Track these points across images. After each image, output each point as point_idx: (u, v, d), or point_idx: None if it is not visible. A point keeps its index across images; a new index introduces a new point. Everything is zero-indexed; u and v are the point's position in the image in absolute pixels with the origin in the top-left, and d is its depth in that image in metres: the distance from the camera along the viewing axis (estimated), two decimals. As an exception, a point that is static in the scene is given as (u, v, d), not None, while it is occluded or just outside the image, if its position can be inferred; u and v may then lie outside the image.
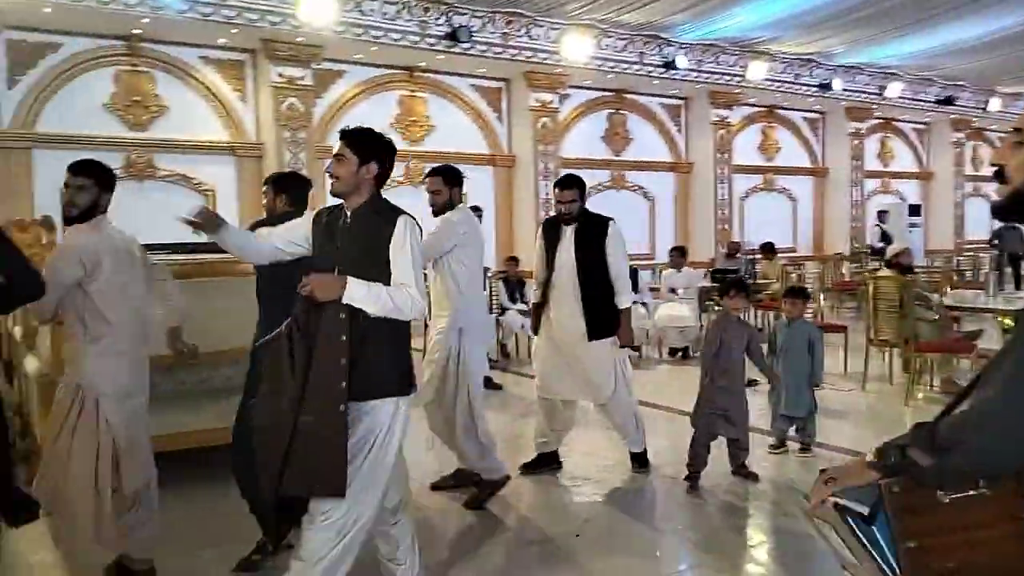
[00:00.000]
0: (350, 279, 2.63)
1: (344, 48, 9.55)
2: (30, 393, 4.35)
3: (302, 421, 2.56)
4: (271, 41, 9.04)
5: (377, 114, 10.44)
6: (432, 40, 9.83)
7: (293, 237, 2.98)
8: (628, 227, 11.31)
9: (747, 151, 14.05)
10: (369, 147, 2.81)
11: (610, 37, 11.21)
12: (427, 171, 4.59)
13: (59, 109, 8.40)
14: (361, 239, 2.77)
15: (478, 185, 11.08)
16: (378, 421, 2.68)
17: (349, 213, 2.81)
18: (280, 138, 9.32)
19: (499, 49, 10.42)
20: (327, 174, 2.85)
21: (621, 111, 12.68)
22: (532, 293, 5.11)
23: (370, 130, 2.89)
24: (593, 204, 11.82)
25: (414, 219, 2.83)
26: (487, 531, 4.05)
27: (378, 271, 2.73)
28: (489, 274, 8.43)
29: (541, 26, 10.61)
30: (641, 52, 11.59)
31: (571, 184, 4.72)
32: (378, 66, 10.35)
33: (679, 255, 9.53)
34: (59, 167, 8.65)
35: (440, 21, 9.84)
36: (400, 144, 10.35)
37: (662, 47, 11.73)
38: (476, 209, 8.71)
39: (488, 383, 7.25)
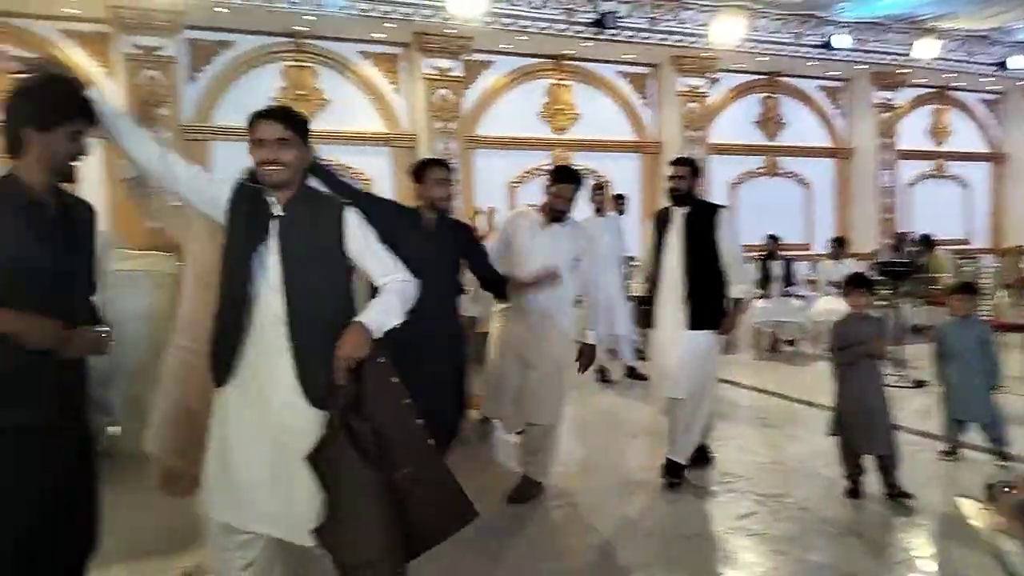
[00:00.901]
0: (361, 319, 2.40)
1: (492, 38, 9.68)
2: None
3: (400, 478, 2.37)
4: (423, 34, 9.29)
5: (525, 103, 10.56)
6: (579, 27, 9.78)
7: (210, 188, 2.54)
8: (782, 216, 11.13)
9: (914, 135, 13.13)
10: (306, 130, 2.55)
11: (763, 18, 10.77)
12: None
13: (232, 103, 8.99)
14: (308, 235, 2.49)
15: (623, 172, 10.97)
16: None
17: (281, 204, 2.50)
18: (432, 128, 9.58)
19: (646, 34, 10.23)
20: (262, 163, 2.45)
21: (774, 95, 12.17)
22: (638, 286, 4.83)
23: (300, 112, 2.61)
24: (745, 191, 11.78)
25: (352, 205, 2.58)
26: (629, 525, 4.00)
27: (333, 271, 2.53)
28: (634, 263, 8.32)
29: (690, 9, 10.34)
30: (796, 32, 11.06)
31: (684, 162, 4.55)
32: (525, 55, 10.42)
33: (838, 246, 9.05)
34: (234, 159, 9.20)
35: (586, 8, 9.78)
36: (546, 133, 10.63)
37: (820, 26, 11.14)
38: (620, 197, 8.61)
39: (632, 373, 7.21)
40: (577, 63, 10.80)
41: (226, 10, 8.28)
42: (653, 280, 4.56)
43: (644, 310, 4.66)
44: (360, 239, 2.53)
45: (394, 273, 2.56)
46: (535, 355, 4.16)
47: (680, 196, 4.47)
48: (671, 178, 4.50)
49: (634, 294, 4.73)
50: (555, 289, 4.01)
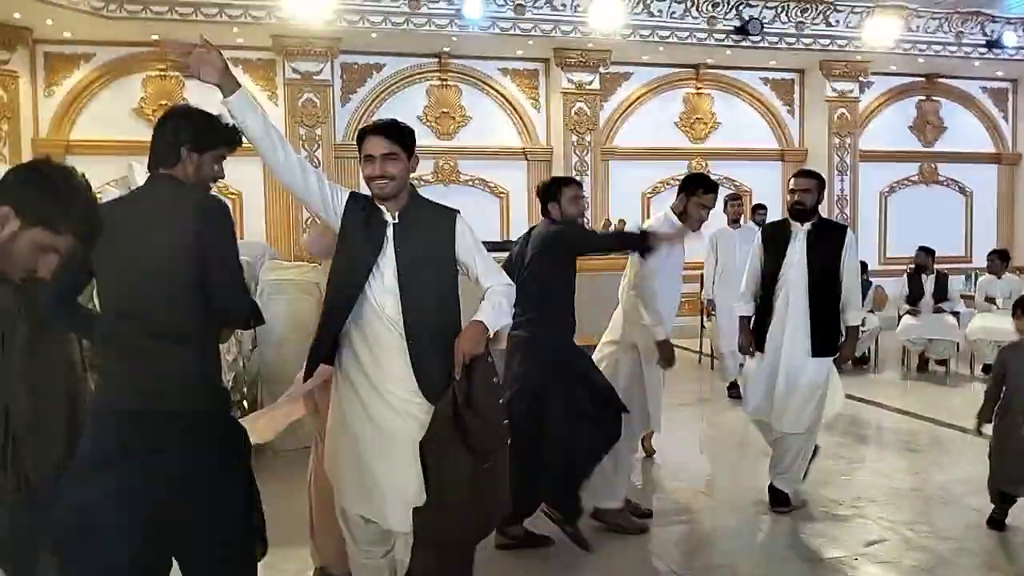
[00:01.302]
0: (480, 318, 2.58)
1: (631, 50, 9.73)
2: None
3: (484, 469, 2.60)
4: (562, 49, 9.48)
5: (662, 113, 10.54)
6: (720, 36, 9.66)
7: (328, 193, 2.65)
8: (938, 227, 10.51)
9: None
10: (413, 142, 2.68)
11: (921, 17, 10.21)
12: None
13: (381, 122, 9.53)
14: (421, 242, 2.65)
15: (764, 182, 10.71)
16: None
17: (395, 214, 2.65)
18: (568, 142, 9.76)
19: (792, 39, 9.96)
20: (372, 178, 2.59)
21: (933, 97, 11.49)
22: (739, 303, 4.55)
23: (404, 124, 2.71)
24: (897, 200, 11.23)
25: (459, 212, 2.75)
26: (751, 545, 3.98)
27: (440, 272, 2.67)
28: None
29: (841, 11, 9.96)
30: (959, 31, 10.41)
31: (811, 174, 4.38)
32: (664, 66, 10.40)
33: (1000, 260, 8.44)
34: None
35: (730, 16, 9.64)
36: (684, 142, 10.56)
37: (985, 24, 10.43)
38: (760, 207, 8.44)
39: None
40: (717, 71, 10.66)
41: (377, 35, 8.80)
42: (764, 300, 4.36)
43: (749, 332, 4.41)
44: (470, 245, 2.70)
45: (499, 277, 2.73)
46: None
47: (804, 212, 4.30)
48: (795, 191, 4.32)
49: (739, 313, 4.50)
50: None
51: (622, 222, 8.21)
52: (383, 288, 2.64)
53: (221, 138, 2.50)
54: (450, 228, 2.69)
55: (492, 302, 2.66)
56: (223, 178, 2.55)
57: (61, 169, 1.93)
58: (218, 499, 2.29)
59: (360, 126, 9.83)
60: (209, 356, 2.39)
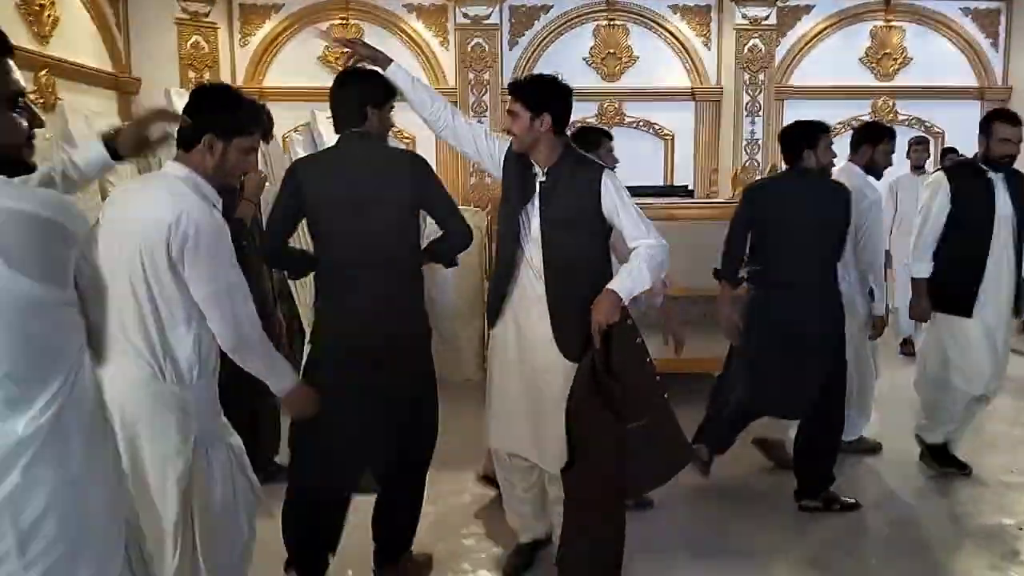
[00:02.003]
0: (613, 286, 2.61)
1: (813, -19, 9.14)
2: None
3: (634, 428, 2.62)
4: (738, -18, 9.07)
5: (846, 49, 9.85)
6: (918, -39, 8.85)
7: (488, 147, 2.86)
8: None
9: None
10: (539, 97, 2.72)
11: None
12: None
13: (547, 66, 9.54)
14: (567, 199, 2.71)
15: (960, 123, 9.78)
16: None
17: (545, 171, 2.75)
18: (740, 81, 9.37)
19: (1001, -36, 8.96)
20: (504, 132, 2.78)
21: None
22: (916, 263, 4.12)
23: (538, 78, 2.79)
24: None
25: (610, 168, 2.79)
26: (914, 506, 3.84)
27: (588, 232, 2.72)
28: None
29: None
30: None
31: (1021, 121, 3.95)
32: (852, -4, 9.68)
33: None
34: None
35: (931, -63, 8.80)
36: (869, 80, 9.85)
37: None
38: (952, 151, 7.82)
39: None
40: (911, 1, 9.78)
41: (545, -25, 8.80)
42: (967, 258, 3.97)
43: (953, 295, 4.00)
44: (615, 201, 2.72)
45: (646, 237, 2.71)
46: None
47: (1009, 162, 3.96)
48: (1007, 141, 3.90)
49: (919, 276, 4.10)
50: None
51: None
52: (532, 241, 2.77)
53: (391, 93, 2.85)
54: (595, 184, 2.72)
55: (631, 266, 2.67)
56: (395, 126, 2.87)
57: (225, 86, 2.50)
58: (427, 409, 2.86)
59: (526, 69, 9.94)
60: (417, 287, 2.83)
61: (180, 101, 5.45)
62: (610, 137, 3.95)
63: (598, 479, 2.65)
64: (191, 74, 8.74)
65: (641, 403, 2.64)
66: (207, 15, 8.80)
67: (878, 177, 4.24)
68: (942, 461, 4.13)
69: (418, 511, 2.98)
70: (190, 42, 8.73)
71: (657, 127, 9.70)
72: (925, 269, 4.09)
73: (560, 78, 2.80)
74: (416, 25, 9.43)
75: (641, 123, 9.70)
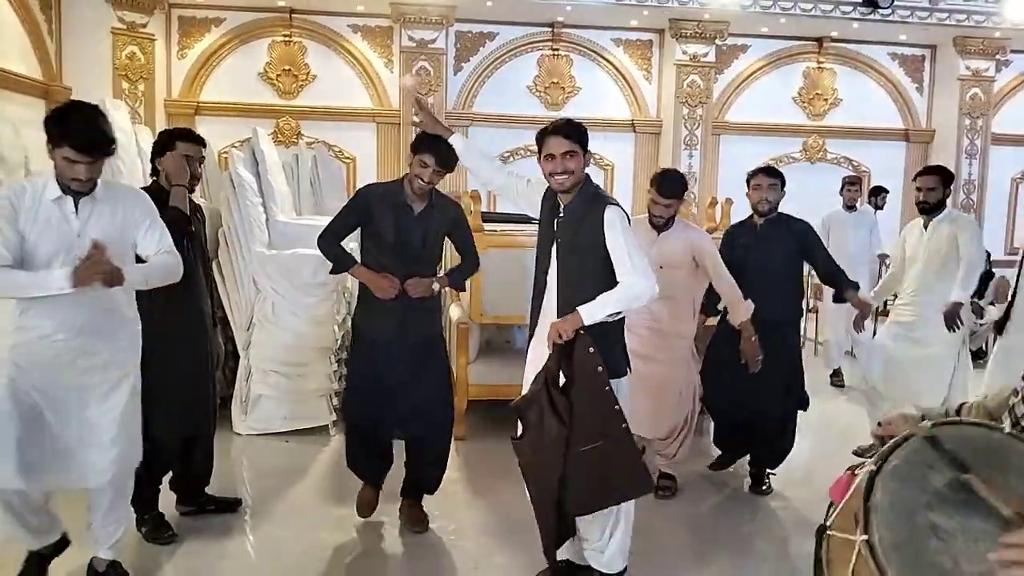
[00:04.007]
0: (581, 307, 2.75)
1: (750, 22, 9.43)
2: (452, 335, 5.19)
3: (586, 451, 2.70)
4: (678, 20, 9.29)
5: (780, 88, 10.19)
6: (847, 7, 9.23)
7: (529, 194, 3.15)
8: None
9: None
10: (587, 138, 2.93)
11: (1072, -10, 9.45)
12: (921, 169, 4.67)
13: (492, 91, 9.62)
14: (577, 230, 2.89)
15: (886, 162, 10.26)
16: None
17: (564, 206, 2.95)
18: (679, 115, 9.59)
19: (925, 13, 9.41)
20: (553, 174, 2.88)
21: (1078, 78, 10.66)
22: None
23: (578, 121, 2.97)
24: None
25: (620, 207, 2.90)
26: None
27: (593, 260, 2.85)
28: (888, 260, 7.81)
29: (980, -16, 9.35)
30: (1114, 7, 9.57)
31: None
32: (784, 38, 10.04)
33: None
34: (490, 140, 9.71)
35: (858, -14, 9.19)
36: (801, 119, 10.20)
37: None
38: (880, 190, 8.11)
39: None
40: (842, 45, 10.20)
41: (492, 3, 8.86)
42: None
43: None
44: (614, 234, 2.84)
45: (631, 274, 2.81)
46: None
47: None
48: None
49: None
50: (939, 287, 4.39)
51: (729, 202, 8.03)
52: (552, 273, 3.00)
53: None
54: (600, 218, 2.86)
55: (604, 296, 2.80)
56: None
57: (75, 104, 2.82)
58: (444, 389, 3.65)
59: (471, 94, 9.95)
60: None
61: (114, 112, 5.27)
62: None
63: (542, 487, 2.84)
64: (125, 85, 8.48)
65: (594, 427, 2.71)
66: (145, 26, 8.58)
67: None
68: None
69: (442, 463, 3.69)
70: (125, 52, 8.48)
71: (597, 157, 9.82)
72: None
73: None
74: (361, 45, 9.37)
75: (583, 152, 9.81)
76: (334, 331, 5.01)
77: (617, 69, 9.90)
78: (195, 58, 9.12)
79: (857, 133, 10.34)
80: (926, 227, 4.51)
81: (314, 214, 6.27)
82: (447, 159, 3.31)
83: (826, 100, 10.30)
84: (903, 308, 4.64)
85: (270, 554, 3.42)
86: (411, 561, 3.44)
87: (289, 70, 9.19)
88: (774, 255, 4.11)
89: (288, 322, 4.89)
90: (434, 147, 3.29)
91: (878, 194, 7.97)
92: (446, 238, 3.60)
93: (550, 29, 9.64)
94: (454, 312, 5.30)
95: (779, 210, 4.24)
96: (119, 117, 5.45)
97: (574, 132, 2.91)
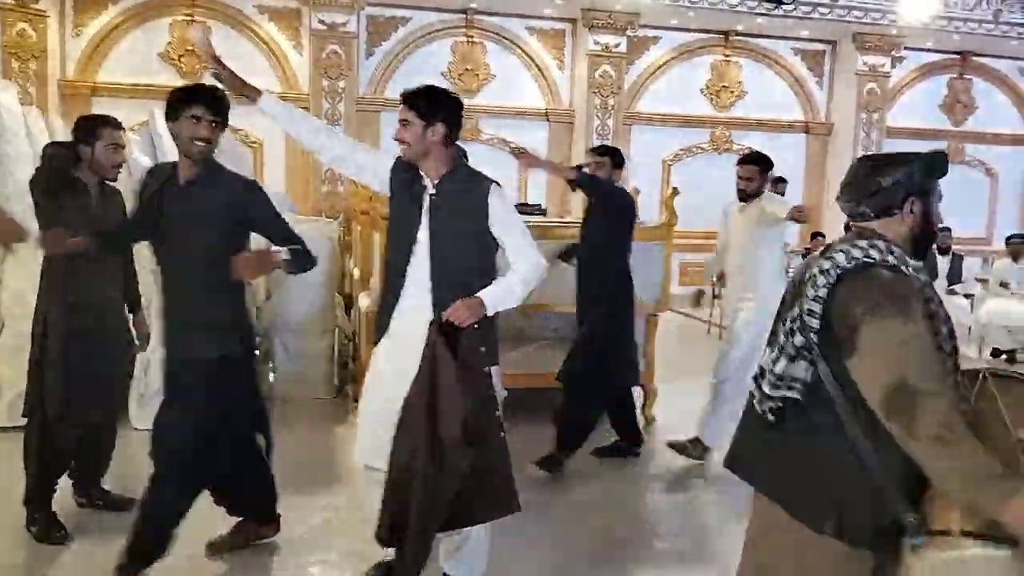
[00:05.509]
0: (482, 293, 2.54)
1: (660, 14, 9.62)
2: (361, 325, 5.15)
3: (463, 465, 2.45)
4: (590, 10, 9.39)
5: (688, 80, 10.43)
6: (753, 2, 9.51)
7: (373, 165, 2.80)
8: (962, 206, 10.34)
9: None
10: (433, 107, 2.64)
11: (959, -8, 10.00)
12: (741, 158, 4.56)
13: (404, 77, 9.51)
14: (456, 214, 2.65)
15: (787, 154, 10.62)
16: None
17: (435, 184, 2.67)
18: (591, 105, 9.71)
19: (826, 10, 9.79)
20: (395, 140, 2.69)
21: (965, 76, 11.28)
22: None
23: (432, 88, 2.71)
24: None
25: (498, 183, 2.70)
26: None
27: (478, 247, 2.66)
28: (789, 250, 8.15)
29: (878, -18, 9.78)
30: (997, 10, 10.17)
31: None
32: (693, 31, 10.27)
33: (1020, 243, 8.36)
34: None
35: (764, -18, 9.48)
36: (709, 110, 10.46)
37: (1025, 2, 10.20)
38: (780, 180, 8.40)
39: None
40: (747, 39, 10.51)
41: (404, -13, 8.77)
42: None
43: None
44: (501, 218, 2.66)
45: (526, 257, 2.66)
46: (733, 323, 4.47)
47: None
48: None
49: None
50: (751, 266, 4.38)
51: (636, 191, 8.20)
52: (418, 255, 2.69)
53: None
54: (484, 199, 2.66)
55: (505, 282, 2.64)
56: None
57: None
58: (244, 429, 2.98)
59: (383, 80, 9.82)
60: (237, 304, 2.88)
61: (1, 93, 4.98)
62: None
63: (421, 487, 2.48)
64: (15, 64, 8.04)
65: (468, 427, 2.47)
66: (36, 2, 8.12)
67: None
68: None
69: None
70: (16, 30, 8.02)
71: (512, 145, 9.86)
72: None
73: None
74: (268, 28, 9.12)
75: (496, 140, 9.84)
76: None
77: (531, 57, 9.95)
78: (91, 37, 8.71)
79: (761, 125, 10.69)
80: (741, 212, 4.50)
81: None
82: (220, 107, 2.75)
83: (732, 92, 10.60)
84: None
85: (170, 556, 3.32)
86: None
87: (192, 51, 8.87)
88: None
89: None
90: (201, 95, 2.73)
91: (777, 184, 8.26)
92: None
93: (464, 15, 9.60)
94: (363, 301, 5.27)
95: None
96: (6, 98, 5.16)
97: (410, 99, 2.66)
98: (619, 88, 9.80)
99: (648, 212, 6.62)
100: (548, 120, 10.04)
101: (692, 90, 10.48)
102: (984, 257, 9.97)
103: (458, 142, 2.79)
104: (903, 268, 1.66)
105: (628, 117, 10.10)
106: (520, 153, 3.81)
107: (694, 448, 4.53)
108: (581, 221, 4.52)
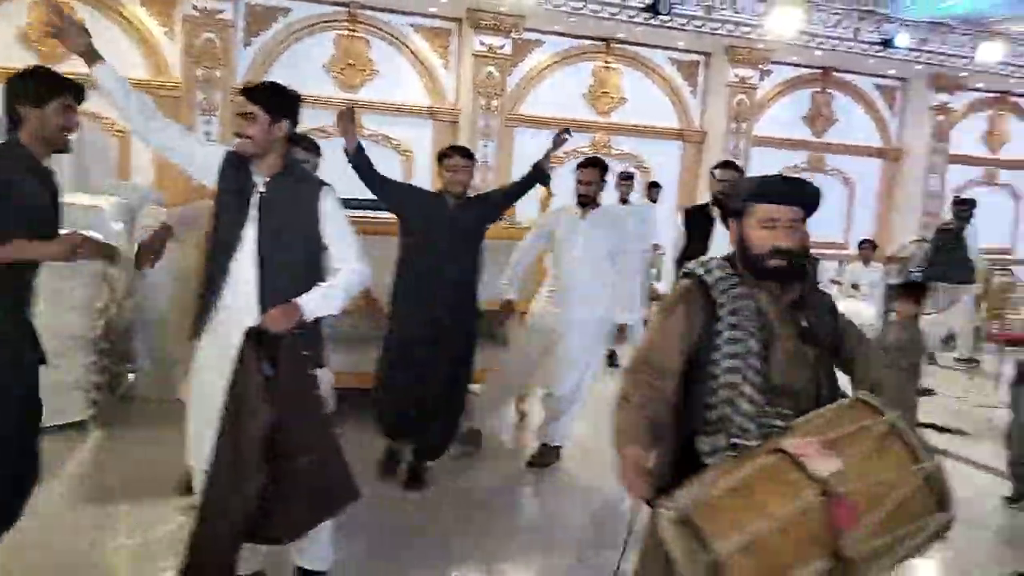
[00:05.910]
0: (301, 299, 2.50)
1: (544, 18, 9.77)
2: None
3: (301, 461, 2.42)
4: (476, 10, 9.44)
5: (571, 84, 10.65)
6: (632, 12, 9.80)
7: (203, 156, 2.69)
8: (822, 213, 10.87)
9: (967, 141, 12.82)
10: (279, 103, 2.63)
11: (822, 11, 10.62)
12: (582, 160, 4.59)
13: (285, 69, 9.28)
14: (286, 214, 2.61)
15: (664, 160, 11.03)
16: None
17: (265, 181, 2.62)
18: (476, 105, 9.77)
19: (700, 22, 10.20)
20: (235, 136, 2.64)
21: (827, 90, 12.01)
22: None
23: (276, 84, 2.72)
24: None
25: (330, 185, 2.70)
26: (616, 504, 4.21)
27: (305, 248, 2.62)
28: (661, 251, 8.44)
29: (748, -2, 10.27)
30: (856, 28, 10.88)
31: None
32: (575, 37, 10.49)
33: (869, 248, 9.00)
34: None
35: (642, -8, 9.78)
36: (590, 115, 10.72)
37: (881, 24, 10.93)
38: (654, 185, 8.71)
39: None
40: (627, 47, 10.83)
41: (284, -22, 8.56)
42: None
43: None
44: (332, 221, 2.65)
45: (349, 262, 2.65)
46: (567, 329, 4.39)
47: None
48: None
49: None
50: (596, 273, 4.34)
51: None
52: (245, 253, 2.63)
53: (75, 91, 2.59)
54: (315, 200, 2.64)
55: (325, 287, 2.60)
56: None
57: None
58: None
59: (262, 70, 9.53)
60: None
61: None
62: (318, 153, 3.76)
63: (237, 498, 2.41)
64: None
65: (304, 434, 2.46)
66: None
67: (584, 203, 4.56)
68: None
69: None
70: None
71: (396, 142, 9.82)
72: None
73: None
74: (138, 11, 8.71)
75: (380, 137, 9.75)
76: (92, 319, 4.66)
77: (416, 55, 9.91)
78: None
79: (639, 131, 11.04)
80: (583, 218, 4.46)
81: (76, 191, 5.79)
82: (83, 94, 2.60)
83: (612, 98, 10.90)
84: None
85: (20, 567, 3.12)
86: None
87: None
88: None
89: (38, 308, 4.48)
90: (74, 82, 2.56)
91: (652, 189, 8.59)
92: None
93: (347, 9, 9.46)
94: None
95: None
96: None
97: (256, 94, 2.62)
98: (503, 90, 9.89)
99: (527, 213, 6.73)
100: (433, 119, 10.03)
101: (574, 95, 10.70)
102: (839, 260, 10.64)
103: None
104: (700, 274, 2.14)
105: (511, 119, 10.22)
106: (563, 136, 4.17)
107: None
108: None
